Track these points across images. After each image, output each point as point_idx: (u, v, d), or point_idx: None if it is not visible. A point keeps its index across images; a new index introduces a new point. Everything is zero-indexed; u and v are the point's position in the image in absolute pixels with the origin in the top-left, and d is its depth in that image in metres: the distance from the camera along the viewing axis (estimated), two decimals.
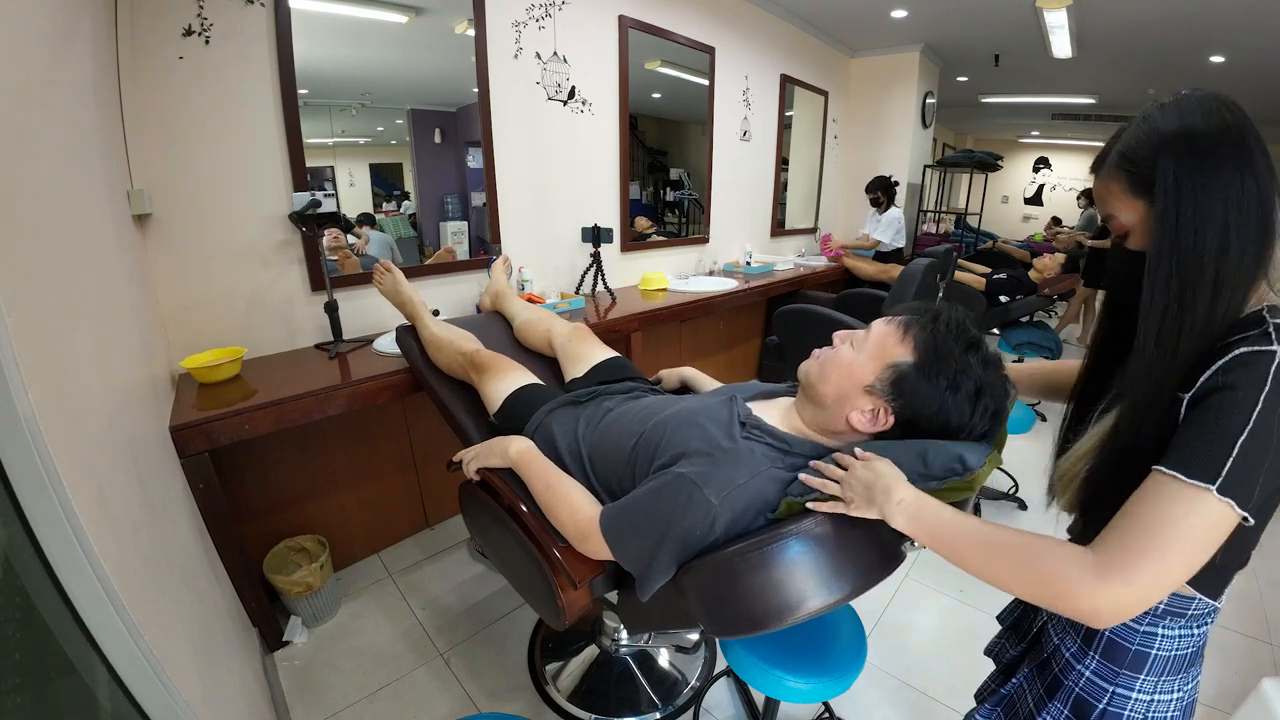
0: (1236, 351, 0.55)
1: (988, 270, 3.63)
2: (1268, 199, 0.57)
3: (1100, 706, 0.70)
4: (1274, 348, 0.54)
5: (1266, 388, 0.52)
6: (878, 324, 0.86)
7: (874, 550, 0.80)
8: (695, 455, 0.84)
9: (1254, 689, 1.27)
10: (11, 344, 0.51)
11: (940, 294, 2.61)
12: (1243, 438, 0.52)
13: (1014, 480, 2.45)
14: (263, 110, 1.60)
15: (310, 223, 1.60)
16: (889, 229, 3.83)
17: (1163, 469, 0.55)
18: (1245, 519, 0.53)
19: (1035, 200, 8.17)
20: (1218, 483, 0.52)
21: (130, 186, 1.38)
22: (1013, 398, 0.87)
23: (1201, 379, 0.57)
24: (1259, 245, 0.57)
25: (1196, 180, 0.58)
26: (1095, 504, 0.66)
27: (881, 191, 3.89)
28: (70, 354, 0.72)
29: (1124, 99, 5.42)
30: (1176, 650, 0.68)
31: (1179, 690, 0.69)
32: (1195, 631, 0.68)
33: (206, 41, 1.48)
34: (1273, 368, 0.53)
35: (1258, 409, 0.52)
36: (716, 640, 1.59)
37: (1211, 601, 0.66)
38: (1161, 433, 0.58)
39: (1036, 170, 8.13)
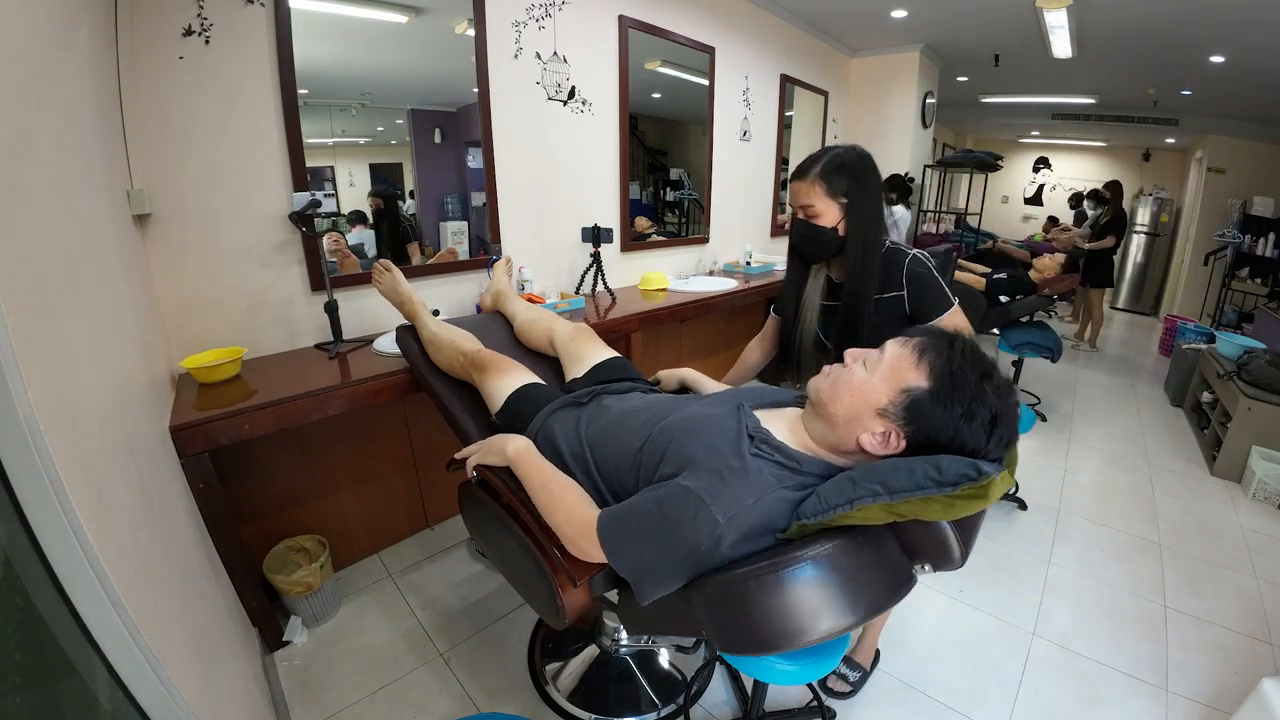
0: (905, 267, 1.23)
1: (988, 270, 3.62)
2: (881, 202, 1.29)
3: None
4: (908, 252, 1.24)
5: (919, 263, 1.23)
6: (892, 345, 0.84)
7: (886, 575, 0.79)
8: (701, 469, 0.83)
9: (1254, 689, 1.27)
10: (11, 344, 0.51)
11: None
12: (941, 280, 1.23)
13: (1014, 480, 2.45)
14: (263, 110, 1.60)
15: (310, 223, 1.59)
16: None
17: (939, 316, 1.22)
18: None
19: (1035, 200, 8.14)
20: (956, 301, 1.23)
21: (130, 186, 1.38)
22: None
23: (889, 285, 1.24)
24: (881, 222, 1.26)
25: (863, 194, 1.20)
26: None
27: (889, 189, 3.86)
28: (70, 354, 0.72)
29: (1124, 99, 5.41)
30: None
31: None
32: None
33: (206, 41, 1.48)
34: (907, 259, 1.24)
35: (929, 268, 1.23)
36: None
37: None
38: (878, 317, 1.24)
39: (1036, 170, 8.10)
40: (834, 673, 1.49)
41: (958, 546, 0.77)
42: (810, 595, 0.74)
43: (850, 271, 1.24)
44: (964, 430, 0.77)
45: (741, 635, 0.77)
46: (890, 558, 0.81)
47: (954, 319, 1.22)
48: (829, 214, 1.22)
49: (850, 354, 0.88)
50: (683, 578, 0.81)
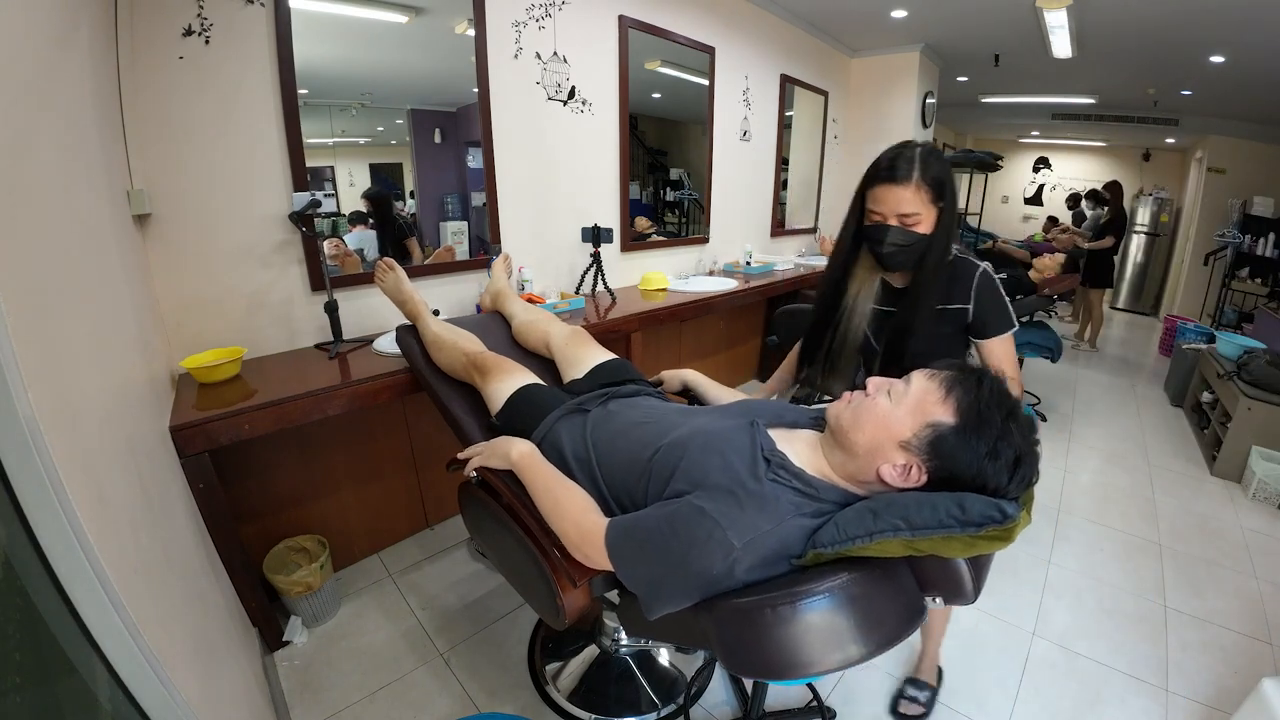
0: (975, 280, 1.19)
1: None
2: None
3: None
4: (978, 265, 1.20)
5: (990, 279, 1.20)
6: (918, 378, 0.83)
7: (901, 608, 0.79)
8: (716, 490, 0.81)
9: (1254, 689, 1.27)
10: (11, 344, 0.51)
11: None
12: (1007, 300, 1.20)
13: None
14: (263, 110, 1.60)
15: (310, 223, 1.59)
16: None
17: (993, 336, 1.21)
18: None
19: (1035, 200, 8.14)
20: (1016, 325, 1.21)
21: (130, 186, 1.38)
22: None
23: (955, 297, 1.20)
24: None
25: (953, 197, 1.16)
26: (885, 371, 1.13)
27: None
28: (70, 354, 0.72)
29: (1124, 99, 5.41)
30: None
31: None
32: None
33: (206, 41, 1.48)
34: (978, 272, 1.19)
35: (998, 285, 1.20)
36: None
37: None
38: (942, 328, 1.22)
39: (1036, 170, 8.10)
40: (903, 696, 1.44)
41: (971, 582, 0.76)
42: (825, 627, 0.73)
43: (925, 278, 1.19)
44: (987, 469, 0.76)
45: (751, 661, 0.76)
46: (905, 590, 0.80)
47: (1006, 345, 1.21)
48: (929, 220, 1.14)
49: (873, 383, 0.87)
50: (692, 598, 0.80)
